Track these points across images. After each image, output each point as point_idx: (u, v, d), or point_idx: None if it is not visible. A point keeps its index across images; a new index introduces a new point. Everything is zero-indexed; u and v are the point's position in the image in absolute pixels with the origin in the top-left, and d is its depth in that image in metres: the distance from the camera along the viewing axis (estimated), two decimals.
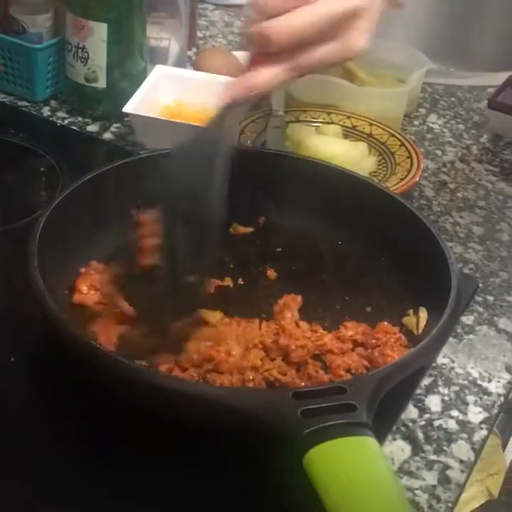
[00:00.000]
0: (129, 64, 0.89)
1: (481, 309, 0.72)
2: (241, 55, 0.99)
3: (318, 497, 0.45)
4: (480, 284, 0.74)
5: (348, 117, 0.91)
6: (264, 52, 0.60)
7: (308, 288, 0.67)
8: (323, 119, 0.91)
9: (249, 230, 0.73)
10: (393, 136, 0.88)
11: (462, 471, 0.57)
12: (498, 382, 0.64)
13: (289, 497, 0.50)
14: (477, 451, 0.59)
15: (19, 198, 0.80)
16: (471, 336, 0.68)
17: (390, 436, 0.58)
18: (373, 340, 0.62)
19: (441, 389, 0.63)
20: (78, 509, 0.52)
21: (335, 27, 0.60)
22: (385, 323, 0.63)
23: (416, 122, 0.98)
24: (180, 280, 0.61)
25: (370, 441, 0.47)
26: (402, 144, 0.87)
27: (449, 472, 0.57)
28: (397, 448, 0.58)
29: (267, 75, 0.60)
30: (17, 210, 0.78)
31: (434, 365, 0.65)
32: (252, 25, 0.60)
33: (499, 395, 0.63)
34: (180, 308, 0.61)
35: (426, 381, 0.63)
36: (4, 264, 0.68)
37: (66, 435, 0.56)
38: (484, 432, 0.60)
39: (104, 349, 0.54)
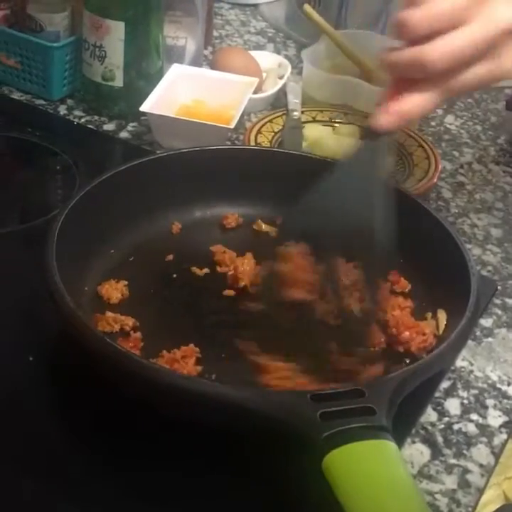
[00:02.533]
0: (145, 63, 0.89)
1: (499, 312, 0.71)
2: (257, 55, 0.99)
3: (337, 500, 0.44)
4: (498, 287, 0.73)
5: (365, 117, 0.90)
6: (412, 77, 0.58)
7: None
8: (340, 119, 0.90)
9: (273, 229, 0.73)
10: (411, 136, 0.88)
11: (482, 475, 0.56)
12: None
13: (308, 499, 0.50)
14: (497, 455, 0.58)
15: (36, 197, 0.81)
16: (490, 339, 0.68)
17: (409, 440, 0.58)
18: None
19: (460, 392, 0.63)
20: (92, 508, 0.52)
21: (490, 47, 0.57)
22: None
23: (433, 123, 0.98)
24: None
25: (389, 445, 0.47)
26: (420, 145, 0.87)
27: (468, 476, 0.56)
28: (417, 451, 0.57)
29: (420, 101, 0.58)
30: (34, 209, 0.78)
31: (453, 368, 0.64)
32: (396, 49, 0.57)
33: None
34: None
35: (445, 384, 0.63)
36: (22, 263, 0.68)
37: (82, 434, 0.56)
38: (504, 436, 0.60)
39: (121, 348, 0.54)
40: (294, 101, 0.90)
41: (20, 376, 0.59)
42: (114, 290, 0.64)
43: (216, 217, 0.74)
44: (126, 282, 0.65)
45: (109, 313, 0.61)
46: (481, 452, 0.58)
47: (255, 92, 0.91)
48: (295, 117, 0.88)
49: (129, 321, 0.61)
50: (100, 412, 0.56)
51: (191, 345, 0.60)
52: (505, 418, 0.61)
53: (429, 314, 0.64)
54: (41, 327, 0.62)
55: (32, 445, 0.55)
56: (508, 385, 0.64)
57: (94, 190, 0.66)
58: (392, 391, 0.51)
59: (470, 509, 0.54)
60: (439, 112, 1.00)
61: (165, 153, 0.74)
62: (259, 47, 1.10)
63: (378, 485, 0.45)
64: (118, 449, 0.55)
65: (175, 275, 0.67)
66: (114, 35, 0.85)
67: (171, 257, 0.69)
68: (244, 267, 0.66)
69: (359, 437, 0.46)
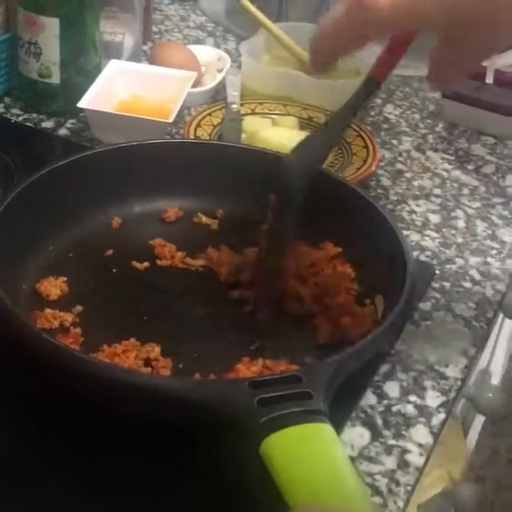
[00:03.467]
0: (83, 59, 0.88)
1: (438, 295, 0.72)
2: (197, 49, 1.00)
3: (275, 484, 0.45)
4: (437, 271, 0.75)
5: (304, 109, 0.91)
6: None
7: None
8: (279, 111, 0.91)
9: (214, 221, 0.74)
10: (349, 126, 0.88)
11: (421, 455, 0.57)
12: (456, 366, 0.65)
13: (249, 487, 0.50)
14: (435, 435, 0.59)
15: None
16: (429, 322, 0.69)
17: (349, 423, 0.59)
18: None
19: (399, 375, 0.64)
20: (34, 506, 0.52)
21: None
22: None
23: (372, 113, 0.99)
24: None
25: (325, 428, 0.47)
26: (359, 135, 0.88)
27: (407, 456, 0.57)
28: (357, 434, 0.58)
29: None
30: None
31: (392, 352, 0.65)
32: None
33: (456, 379, 0.64)
34: None
35: (384, 368, 0.64)
36: None
37: (25, 432, 0.56)
38: (442, 416, 0.61)
39: (59, 343, 0.54)
40: (232, 93, 0.90)
41: None
42: (53, 287, 0.64)
43: (156, 211, 0.74)
44: (65, 278, 0.64)
45: (47, 310, 0.61)
46: (419, 432, 0.59)
47: (194, 86, 0.92)
48: (234, 110, 0.89)
49: (68, 317, 0.61)
50: (43, 408, 0.56)
51: (132, 340, 0.60)
52: (443, 398, 0.62)
53: (368, 301, 0.65)
54: None
55: None
56: (446, 366, 0.65)
57: (30, 187, 0.66)
58: (329, 376, 0.52)
59: (409, 488, 0.55)
60: (379, 101, 1.01)
61: (102, 149, 0.74)
62: (199, 41, 1.10)
63: (315, 467, 0.46)
64: (61, 445, 0.55)
65: (115, 270, 0.67)
66: (49, 31, 0.85)
67: (110, 251, 0.69)
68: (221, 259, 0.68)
69: (296, 421, 0.47)
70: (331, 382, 0.51)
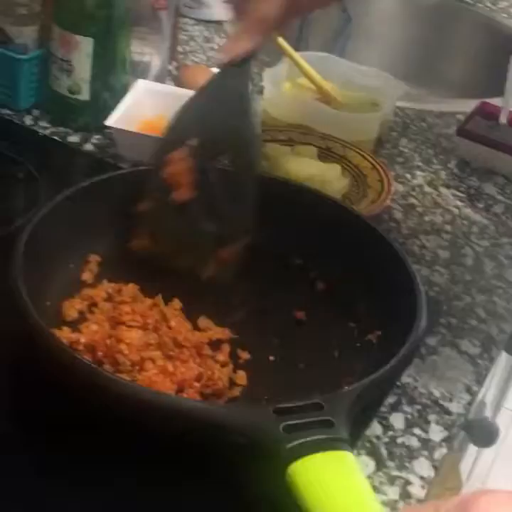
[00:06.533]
0: (112, 77, 0.91)
1: (444, 331, 0.75)
2: None
3: (300, 507, 0.47)
4: (445, 307, 0.77)
5: (323, 139, 0.94)
6: None
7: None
8: (299, 139, 0.93)
9: None
10: (365, 159, 0.91)
11: (422, 487, 0.60)
12: (459, 402, 0.67)
13: (268, 507, 0.52)
14: (437, 468, 0.62)
15: None
16: (434, 357, 0.72)
17: (355, 452, 0.61)
18: None
19: (404, 407, 0.66)
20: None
21: None
22: None
23: (388, 145, 1.02)
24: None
25: (347, 456, 0.50)
26: (374, 167, 0.90)
27: (409, 488, 0.60)
28: (362, 463, 0.61)
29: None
30: None
31: (398, 384, 0.68)
32: None
33: (459, 415, 0.66)
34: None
35: (390, 399, 0.66)
36: None
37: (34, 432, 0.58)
38: (444, 450, 0.63)
39: (88, 363, 0.56)
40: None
41: None
42: (72, 307, 0.65)
43: None
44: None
45: (65, 329, 0.63)
46: (422, 465, 0.62)
47: None
48: None
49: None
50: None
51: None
52: (446, 433, 0.65)
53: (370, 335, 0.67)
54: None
55: None
56: (450, 401, 0.67)
57: (58, 207, 0.67)
58: (349, 404, 0.54)
59: None
60: (394, 134, 1.04)
61: (129, 170, 0.77)
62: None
63: (338, 492, 0.48)
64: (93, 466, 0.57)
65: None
66: (83, 50, 0.87)
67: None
68: None
69: (320, 448, 0.49)
70: (350, 411, 0.53)
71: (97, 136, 0.92)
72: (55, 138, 0.91)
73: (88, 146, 0.91)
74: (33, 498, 0.55)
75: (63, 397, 0.56)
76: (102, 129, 0.91)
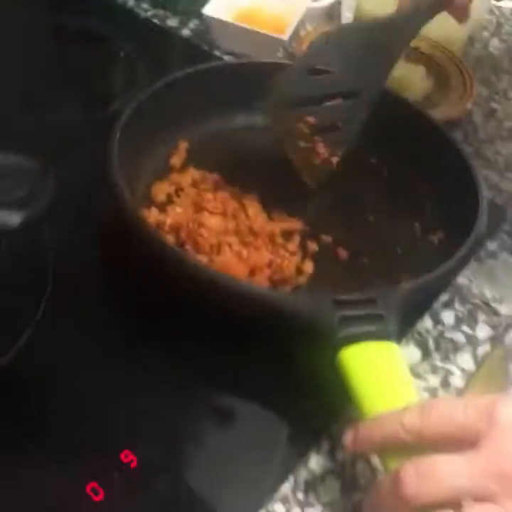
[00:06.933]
0: None
1: (505, 237, 0.79)
2: None
3: (349, 386, 0.55)
4: (509, 213, 0.81)
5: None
6: None
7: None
8: None
9: None
10: (452, 60, 0.93)
11: (462, 379, 0.66)
12: (508, 305, 0.72)
13: (316, 387, 0.60)
14: (478, 363, 0.68)
15: (97, 87, 0.86)
16: (492, 261, 0.76)
17: (404, 341, 0.68)
18: None
19: (456, 305, 0.71)
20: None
21: None
22: None
23: (478, 46, 1.02)
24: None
25: (391, 346, 0.57)
26: (459, 69, 0.92)
27: (451, 378, 0.66)
28: (410, 352, 0.67)
29: None
30: (96, 99, 0.84)
31: (453, 283, 0.73)
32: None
33: (507, 317, 0.71)
34: None
35: (444, 297, 0.72)
36: (82, 154, 0.74)
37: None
38: (487, 347, 0.69)
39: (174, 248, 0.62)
40: (346, 15, 0.95)
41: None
42: (161, 190, 0.71)
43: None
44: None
45: (153, 209, 0.69)
46: (464, 359, 0.68)
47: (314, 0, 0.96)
48: None
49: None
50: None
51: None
52: (491, 332, 0.70)
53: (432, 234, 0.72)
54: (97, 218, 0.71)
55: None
56: (500, 303, 0.72)
57: (154, 95, 0.72)
58: (401, 301, 0.60)
59: None
60: (486, 34, 1.04)
61: (227, 63, 0.82)
62: None
63: (380, 377, 0.55)
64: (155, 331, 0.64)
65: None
66: None
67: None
68: None
69: (367, 338, 0.56)
70: (402, 307, 0.59)
71: (195, 22, 0.96)
72: (155, 21, 0.96)
73: (185, 32, 0.95)
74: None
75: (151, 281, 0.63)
76: (200, 15, 0.94)
